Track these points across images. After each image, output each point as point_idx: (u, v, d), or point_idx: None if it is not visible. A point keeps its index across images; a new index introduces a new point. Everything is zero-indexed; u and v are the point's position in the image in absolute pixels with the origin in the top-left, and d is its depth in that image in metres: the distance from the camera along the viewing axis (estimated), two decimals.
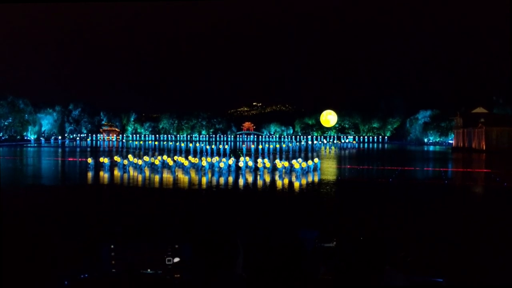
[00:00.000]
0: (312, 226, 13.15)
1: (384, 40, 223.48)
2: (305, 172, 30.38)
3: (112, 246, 4.77)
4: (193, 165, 33.66)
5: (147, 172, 31.29)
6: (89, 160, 34.10)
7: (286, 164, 31.34)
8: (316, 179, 28.24)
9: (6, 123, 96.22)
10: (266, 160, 33.40)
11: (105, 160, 33.47)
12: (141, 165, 33.18)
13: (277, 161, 32.54)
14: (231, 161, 32.67)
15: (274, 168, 31.55)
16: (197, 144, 61.83)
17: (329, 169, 36.45)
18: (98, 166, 33.16)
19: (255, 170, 31.48)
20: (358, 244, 3.85)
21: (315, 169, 31.85)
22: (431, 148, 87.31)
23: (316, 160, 33.13)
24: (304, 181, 26.88)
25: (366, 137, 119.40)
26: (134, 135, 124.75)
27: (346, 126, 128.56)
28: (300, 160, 31.76)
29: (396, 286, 3.69)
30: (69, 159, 49.29)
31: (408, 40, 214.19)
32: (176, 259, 4.68)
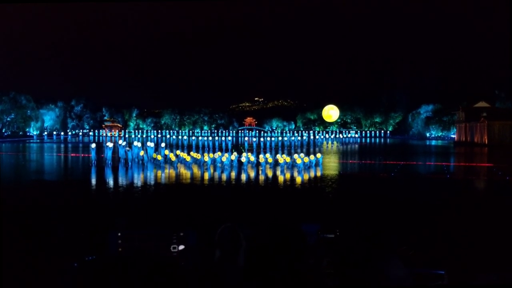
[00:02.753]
0: (313, 219, 13.21)
1: (385, 35, 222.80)
2: (307, 167, 30.40)
3: (119, 234, 4.91)
4: (195, 160, 33.74)
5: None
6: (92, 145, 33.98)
7: (288, 159, 31.36)
8: (318, 174, 28.29)
9: (8, 119, 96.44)
10: (268, 155, 33.42)
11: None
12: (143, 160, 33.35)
13: (279, 156, 32.58)
14: (233, 156, 32.71)
15: (276, 163, 31.60)
16: (200, 138, 61.76)
17: (331, 164, 36.49)
18: (101, 162, 33.22)
19: (257, 165, 31.52)
20: (359, 236, 3.88)
21: (317, 164, 31.85)
22: (433, 142, 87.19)
23: (318, 155, 33.06)
24: (306, 176, 26.93)
25: (368, 131, 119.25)
26: (136, 131, 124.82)
27: (348, 120, 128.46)
28: (302, 155, 31.76)
29: (397, 277, 3.73)
30: (72, 154, 49.43)
31: (410, 34, 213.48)
32: (181, 246, 4.80)
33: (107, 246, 4.98)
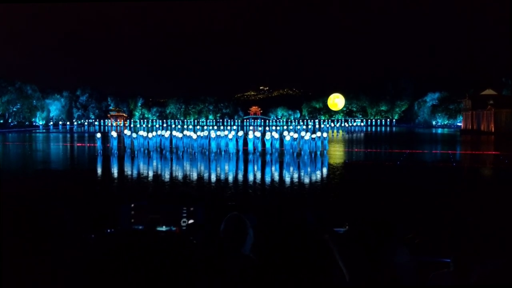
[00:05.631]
0: (319, 208, 13.22)
1: (392, 22, 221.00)
2: (313, 145, 30.54)
3: (132, 205, 5.03)
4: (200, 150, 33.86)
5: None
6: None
7: (295, 135, 31.53)
8: (323, 163, 28.22)
9: (14, 109, 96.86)
10: (274, 133, 33.42)
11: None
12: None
13: (286, 133, 32.75)
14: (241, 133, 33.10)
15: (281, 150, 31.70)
16: (205, 127, 62.07)
17: (337, 153, 36.43)
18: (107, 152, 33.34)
19: (263, 154, 31.50)
20: (365, 224, 3.87)
21: (323, 144, 31.36)
22: (440, 130, 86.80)
23: (324, 134, 32.31)
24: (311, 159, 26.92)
25: (374, 120, 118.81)
26: (142, 120, 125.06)
27: (354, 109, 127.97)
28: (308, 133, 31.68)
29: (403, 265, 3.73)
30: (78, 144, 49.63)
31: (416, 21, 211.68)
32: (191, 221, 4.93)
33: (120, 219, 5.11)
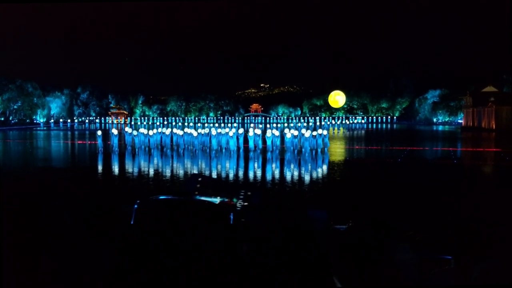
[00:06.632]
0: (320, 206, 13.21)
1: (392, 19, 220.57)
2: (314, 142, 30.45)
3: (199, 177, 5.36)
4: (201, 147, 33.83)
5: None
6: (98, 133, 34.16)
7: (296, 132, 31.57)
8: (324, 160, 28.22)
9: (15, 107, 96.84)
10: (275, 130, 33.49)
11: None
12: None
13: (286, 130, 32.73)
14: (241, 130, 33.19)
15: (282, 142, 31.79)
16: (206, 124, 62.12)
17: (338, 150, 36.40)
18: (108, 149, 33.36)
19: (263, 152, 31.50)
20: (367, 222, 3.87)
21: (323, 141, 31.30)
22: (440, 127, 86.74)
23: (325, 132, 32.24)
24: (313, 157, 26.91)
25: (374, 117, 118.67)
26: (142, 118, 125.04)
27: (355, 106, 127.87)
28: (309, 131, 31.69)
29: (404, 262, 3.72)
30: (78, 142, 49.65)
31: (417, 19, 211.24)
32: (245, 203, 5.29)
33: (186, 187, 5.51)
